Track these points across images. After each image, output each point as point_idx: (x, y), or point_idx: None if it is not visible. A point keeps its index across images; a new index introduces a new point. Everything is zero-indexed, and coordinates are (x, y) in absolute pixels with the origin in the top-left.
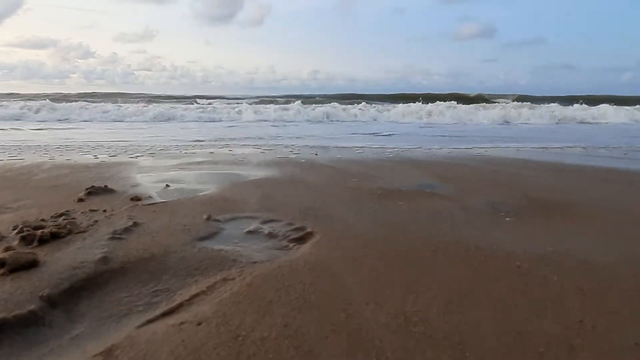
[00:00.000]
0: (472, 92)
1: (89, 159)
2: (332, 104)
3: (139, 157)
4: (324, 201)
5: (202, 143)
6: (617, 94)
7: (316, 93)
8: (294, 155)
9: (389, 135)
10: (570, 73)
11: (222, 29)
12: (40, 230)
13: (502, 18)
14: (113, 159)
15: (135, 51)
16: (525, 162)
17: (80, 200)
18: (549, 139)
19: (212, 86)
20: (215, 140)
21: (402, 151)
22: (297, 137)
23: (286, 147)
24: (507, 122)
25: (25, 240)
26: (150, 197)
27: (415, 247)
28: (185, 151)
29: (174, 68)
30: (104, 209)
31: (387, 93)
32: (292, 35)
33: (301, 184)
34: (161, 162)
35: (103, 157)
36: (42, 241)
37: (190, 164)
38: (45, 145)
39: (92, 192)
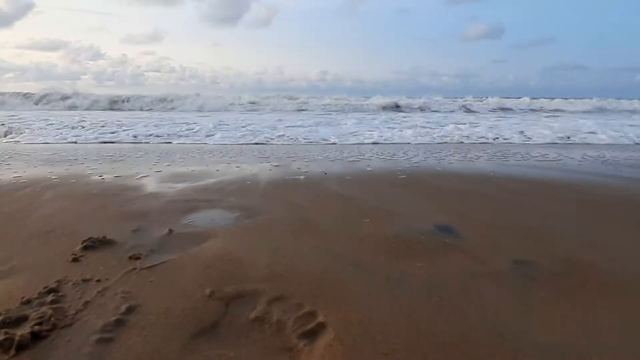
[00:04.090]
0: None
1: (93, 181)
2: None
3: (143, 178)
4: (335, 265)
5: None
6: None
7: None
8: (303, 177)
9: None
10: (582, 74)
11: (230, 31)
12: (20, 334)
13: (510, 18)
14: (117, 180)
15: (145, 53)
16: (541, 187)
17: (75, 259)
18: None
19: (220, 87)
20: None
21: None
22: None
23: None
24: None
25: (2, 347)
26: (151, 250)
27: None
28: (192, 169)
29: (182, 69)
30: (97, 279)
31: None
32: (299, 36)
33: (309, 233)
34: (166, 187)
35: (108, 177)
36: (21, 347)
37: (197, 189)
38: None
39: (89, 245)
